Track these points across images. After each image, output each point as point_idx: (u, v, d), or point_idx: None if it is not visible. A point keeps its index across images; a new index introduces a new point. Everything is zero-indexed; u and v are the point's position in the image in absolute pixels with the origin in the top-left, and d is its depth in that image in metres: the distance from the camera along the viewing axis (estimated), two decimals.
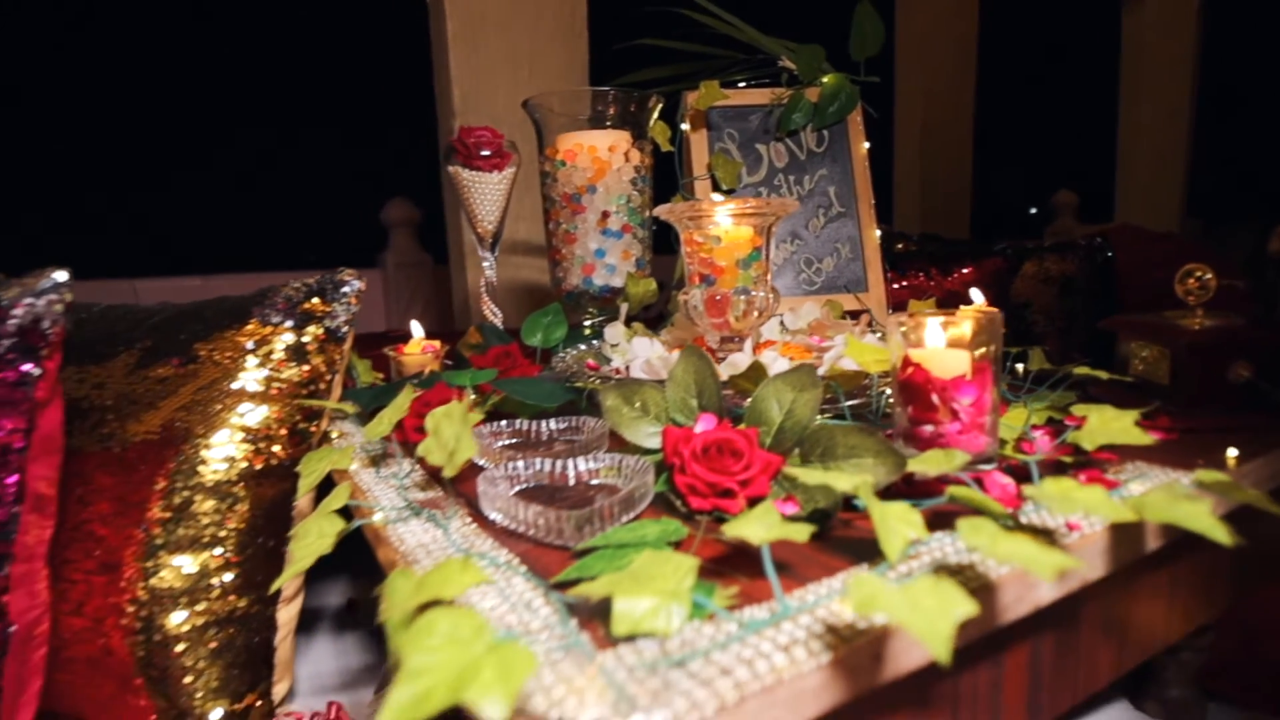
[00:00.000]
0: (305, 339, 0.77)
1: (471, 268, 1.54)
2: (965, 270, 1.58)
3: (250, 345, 0.76)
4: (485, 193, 1.01)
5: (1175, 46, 2.56)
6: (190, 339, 0.77)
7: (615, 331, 0.93)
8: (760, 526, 0.40)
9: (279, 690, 0.77)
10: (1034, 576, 0.42)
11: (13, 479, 0.57)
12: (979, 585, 0.40)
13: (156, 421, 0.74)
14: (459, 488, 0.62)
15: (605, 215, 1.03)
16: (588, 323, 1.07)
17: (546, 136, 1.06)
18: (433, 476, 0.64)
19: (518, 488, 0.57)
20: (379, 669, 0.88)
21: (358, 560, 1.11)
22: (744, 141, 1.15)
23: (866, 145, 1.16)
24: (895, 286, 1.51)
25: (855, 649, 0.35)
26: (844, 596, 0.38)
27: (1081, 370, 0.71)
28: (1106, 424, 0.56)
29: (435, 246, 2.31)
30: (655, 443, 0.59)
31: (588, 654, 0.33)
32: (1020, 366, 0.85)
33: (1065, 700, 0.55)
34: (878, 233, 1.14)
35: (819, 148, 1.16)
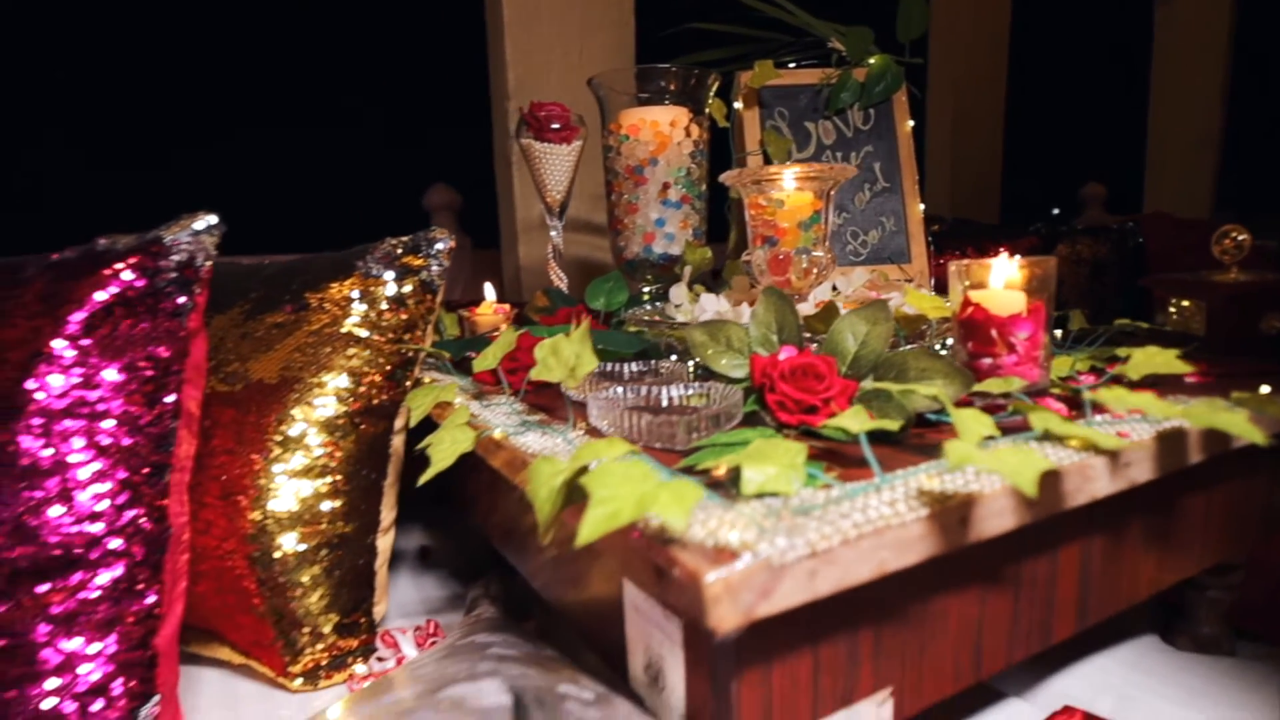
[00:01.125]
0: (404, 289, 0.84)
1: (524, 244, 1.61)
2: (1000, 250, 1.63)
3: (355, 294, 0.83)
4: (555, 164, 1.08)
5: (1208, 36, 2.59)
6: (300, 288, 0.85)
7: (679, 292, 0.99)
8: (855, 420, 0.47)
9: (379, 611, 0.84)
10: (1091, 471, 0.48)
11: (171, 398, 0.64)
12: (1045, 471, 0.46)
13: (274, 362, 0.81)
14: (559, 416, 0.69)
15: (665, 186, 1.10)
16: (646, 289, 1.13)
17: (609, 113, 1.13)
18: (534, 406, 0.71)
19: (623, 407, 0.64)
20: (461, 598, 0.95)
21: (430, 513, 1.18)
22: (793, 119, 1.21)
23: (911, 123, 1.22)
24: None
25: (946, 509, 0.41)
26: (941, 459, 0.44)
27: (1122, 321, 0.77)
28: (1150, 358, 0.62)
29: (475, 230, 2.38)
30: (739, 373, 0.65)
31: (727, 504, 0.40)
32: (1059, 333, 0.91)
33: (1110, 606, 0.61)
34: (921, 207, 1.20)
35: (865, 126, 1.22)
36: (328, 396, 0.80)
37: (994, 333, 0.63)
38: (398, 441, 0.86)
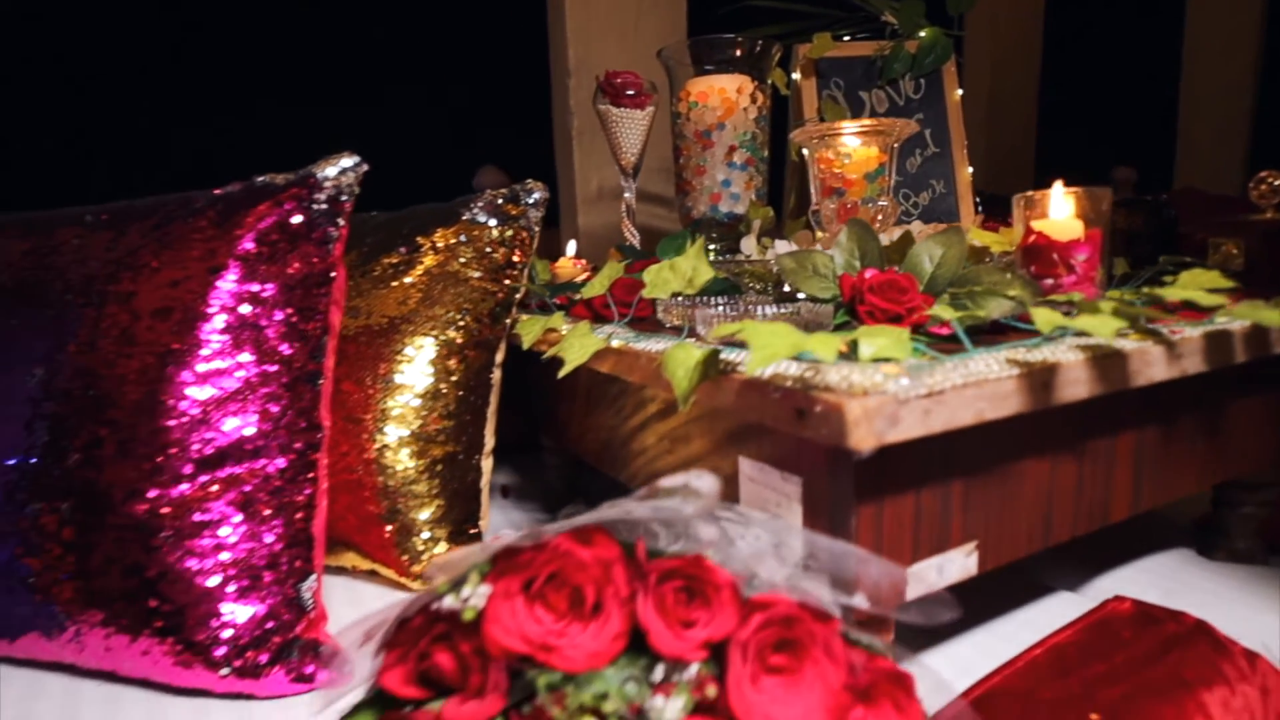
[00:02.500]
0: (505, 234, 0.93)
1: (584, 215, 1.70)
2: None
3: (462, 238, 0.92)
4: (629, 128, 1.17)
5: (1240, 17, 2.63)
6: (411, 233, 0.94)
7: (749, 243, 1.07)
8: (946, 310, 0.54)
9: (484, 525, 0.93)
10: (1150, 356, 0.56)
11: (321, 315, 0.73)
12: (1111, 352, 0.54)
13: (391, 299, 0.90)
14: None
15: (731, 150, 1.18)
16: (712, 246, 1.21)
17: (677, 83, 1.21)
18: (637, 329, 0.79)
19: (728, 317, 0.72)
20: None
21: (503, 459, 1.27)
22: (849, 89, 1.29)
23: (960, 92, 1.29)
24: None
25: (1033, 371, 0.49)
26: (1020, 345, 0.52)
27: (1166, 258, 0.84)
28: (1195, 277, 0.69)
29: None
30: (826, 294, 0.73)
31: (853, 363, 0.48)
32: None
33: (1161, 494, 0.68)
34: (969, 170, 1.27)
35: (916, 95, 1.29)
36: (439, 329, 0.89)
37: (1055, 255, 0.70)
38: (497, 374, 0.95)
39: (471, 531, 0.90)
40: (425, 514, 0.87)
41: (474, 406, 0.91)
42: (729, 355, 0.56)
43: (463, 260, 0.91)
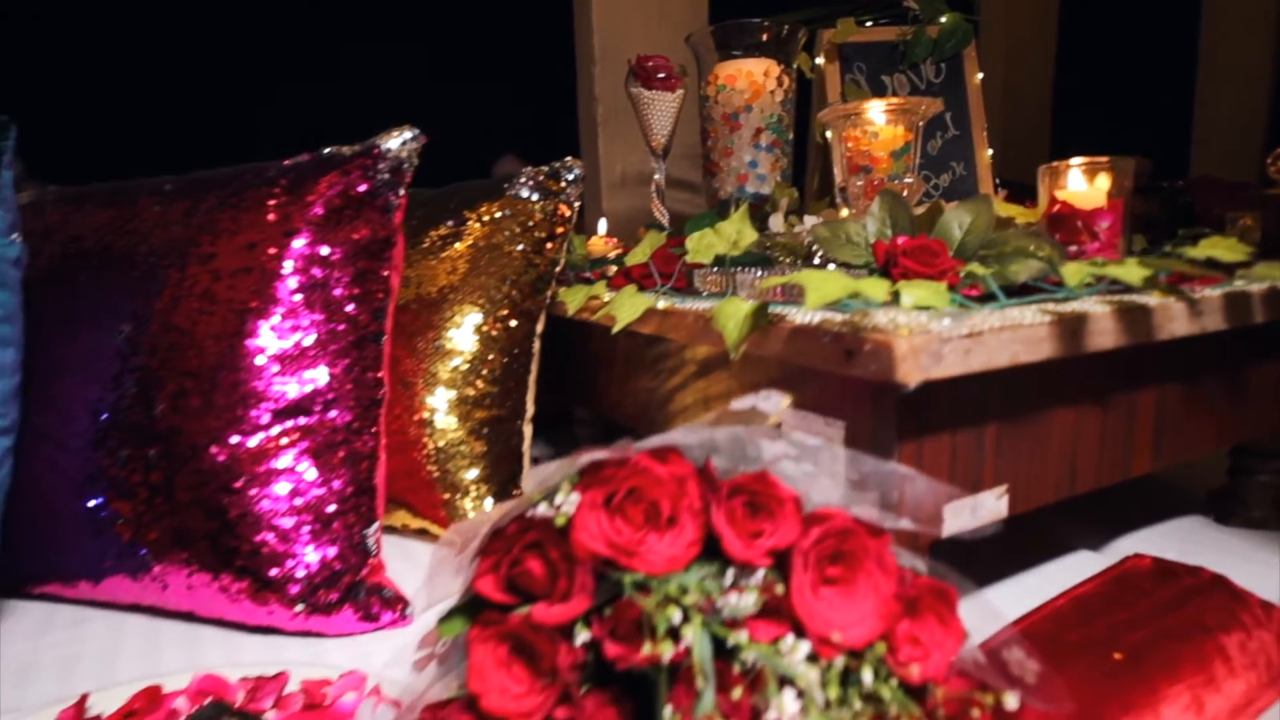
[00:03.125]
0: (546, 209, 0.97)
1: (608, 200, 1.74)
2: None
3: (506, 212, 0.96)
4: (660, 110, 1.21)
5: (1258, 5, 2.64)
6: (458, 207, 0.98)
7: (776, 222, 1.11)
8: (981, 268, 0.58)
9: (525, 486, 0.97)
10: (1173, 311, 0.59)
11: (383, 278, 0.77)
12: (1136, 307, 0.58)
13: (440, 269, 0.95)
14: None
15: (758, 132, 1.21)
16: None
17: (705, 67, 1.25)
18: (677, 294, 0.83)
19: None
20: None
21: (541, 429, 1.31)
22: (871, 73, 1.32)
23: (980, 76, 1.32)
24: None
25: (1064, 319, 0.53)
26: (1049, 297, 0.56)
27: (1185, 231, 0.88)
28: (1215, 243, 0.72)
29: None
30: (859, 261, 0.77)
31: (897, 309, 0.52)
32: None
33: (1180, 452, 0.72)
34: (989, 153, 1.30)
35: (937, 79, 1.33)
36: (484, 299, 0.93)
37: (1079, 223, 0.74)
38: (537, 344, 0.99)
39: (515, 492, 0.95)
40: (472, 474, 0.92)
41: (516, 373, 0.96)
42: (776, 309, 0.60)
43: (507, 233, 0.96)
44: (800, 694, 0.39)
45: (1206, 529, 0.91)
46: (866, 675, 0.40)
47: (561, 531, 0.42)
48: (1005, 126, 2.51)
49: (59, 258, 0.80)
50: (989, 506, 0.59)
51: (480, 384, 0.93)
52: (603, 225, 1.19)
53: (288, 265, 0.72)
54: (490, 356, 0.93)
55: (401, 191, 0.79)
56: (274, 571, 0.70)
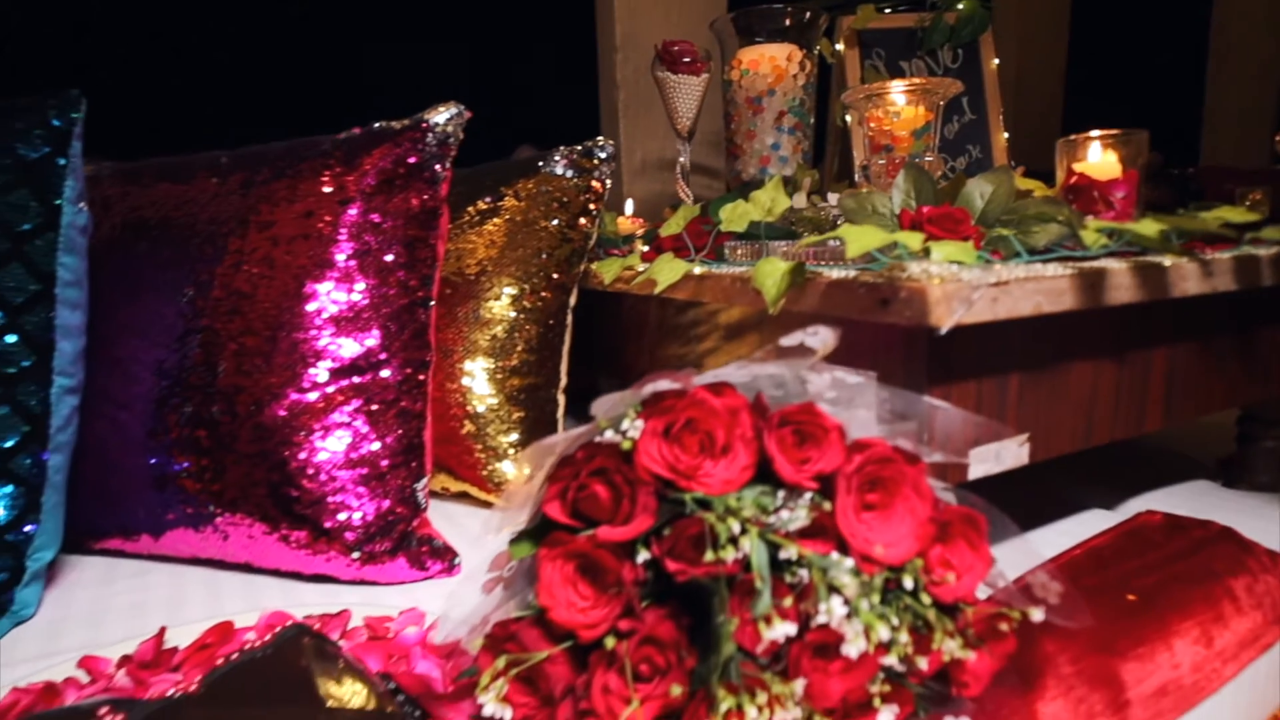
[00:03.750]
0: (579, 185, 1.01)
1: (629, 184, 1.78)
2: None
3: (544, 188, 1.00)
4: (686, 94, 1.25)
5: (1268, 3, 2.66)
6: (495, 184, 1.02)
7: (800, 201, 1.15)
8: (1008, 230, 0.62)
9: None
10: (1185, 270, 0.63)
11: (430, 247, 0.81)
12: (1152, 265, 0.61)
13: (479, 243, 0.99)
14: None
15: (781, 115, 1.25)
16: (738, 229, 1.29)
17: (728, 52, 1.29)
18: (710, 264, 0.87)
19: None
20: None
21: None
22: (890, 59, 1.36)
23: (996, 61, 1.36)
24: None
25: (1084, 273, 0.57)
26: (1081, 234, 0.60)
27: (1196, 204, 0.91)
28: (1225, 211, 0.76)
29: None
30: (885, 229, 0.80)
31: (928, 260, 0.56)
32: None
33: (1191, 409, 0.75)
34: (1005, 135, 1.34)
35: (954, 64, 1.36)
36: (521, 271, 0.97)
37: (1096, 193, 0.78)
38: (570, 316, 1.03)
39: None
40: (509, 439, 0.96)
41: (551, 343, 1.00)
42: (811, 267, 0.63)
43: (542, 208, 1.00)
44: (846, 602, 0.43)
45: (1215, 492, 0.95)
46: (908, 581, 0.44)
47: (626, 456, 0.46)
48: (1017, 114, 2.53)
49: (119, 228, 0.84)
50: (1011, 453, 0.63)
51: (517, 353, 0.97)
52: (629, 206, 1.23)
53: (343, 233, 0.76)
54: (527, 326, 0.97)
55: (448, 164, 0.82)
56: (331, 522, 0.74)
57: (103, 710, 0.43)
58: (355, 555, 0.74)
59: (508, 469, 0.95)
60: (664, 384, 0.46)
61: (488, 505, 0.97)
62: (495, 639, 0.48)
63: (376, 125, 0.82)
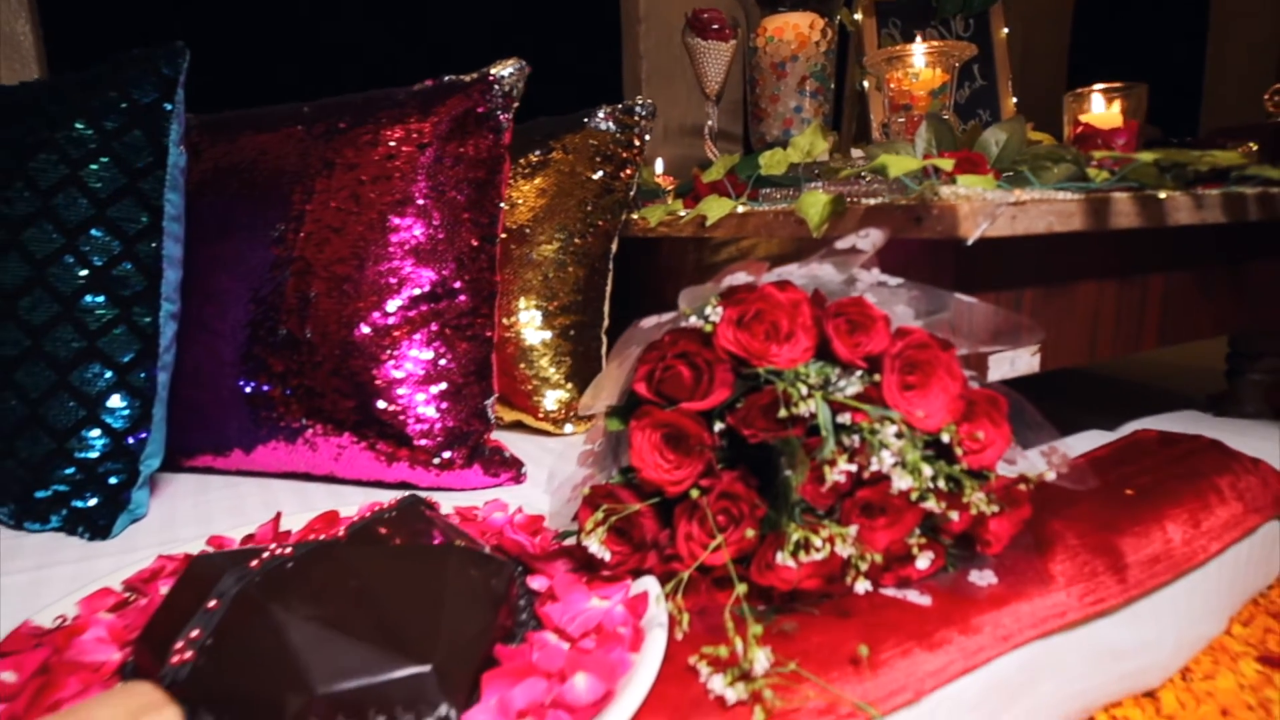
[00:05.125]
0: (622, 139, 1.09)
1: (652, 149, 1.85)
2: None
3: (590, 142, 1.08)
4: (714, 59, 1.32)
5: None
6: (544, 138, 1.10)
7: (823, 156, 1.23)
8: (1023, 169, 0.70)
9: (582, 405, 1.10)
10: (1178, 202, 0.71)
11: (495, 189, 0.89)
12: (1150, 197, 0.70)
13: (531, 192, 1.07)
14: None
15: (803, 79, 1.33)
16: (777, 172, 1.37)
17: (753, 21, 1.36)
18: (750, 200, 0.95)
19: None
20: None
21: None
22: (905, 28, 1.44)
23: (1005, 30, 1.43)
24: None
25: (1091, 198, 0.65)
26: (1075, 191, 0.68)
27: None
28: (1218, 156, 0.84)
29: None
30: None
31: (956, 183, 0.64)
32: None
33: (1184, 332, 0.84)
34: (1014, 100, 1.42)
35: (966, 33, 1.44)
36: (568, 218, 1.06)
37: (1100, 140, 0.86)
38: (612, 263, 1.11)
39: None
40: (557, 372, 1.05)
41: (596, 285, 1.08)
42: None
43: (588, 161, 1.08)
44: (894, 455, 0.51)
45: (1205, 419, 1.04)
46: (945, 437, 0.52)
47: (706, 340, 0.55)
48: (1024, 83, 2.61)
49: (210, 172, 0.92)
50: (1024, 360, 0.72)
51: (564, 293, 1.05)
52: (659, 165, 1.31)
53: (420, 174, 0.85)
54: (574, 269, 1.06)
55: (510, 114, 0.91)
56: (414, 432, 0.82)
57: (271, 548, 0.52)
58: (435, 462, 0.82)
59: (556, 398, 1.04)
60: (741, 276, 0.54)
61: (540, 433, 1.05)
62: (594, 496, 0.56)
63: (447, 78, 0.90)
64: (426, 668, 0.42)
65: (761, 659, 0.45)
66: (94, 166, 0.77)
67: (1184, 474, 0.79)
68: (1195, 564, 0.68)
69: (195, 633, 0.45)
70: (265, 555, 0.51)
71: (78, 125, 0.77)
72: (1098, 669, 0.62)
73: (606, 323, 1.11)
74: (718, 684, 0.46)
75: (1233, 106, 2.93)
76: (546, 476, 0.64)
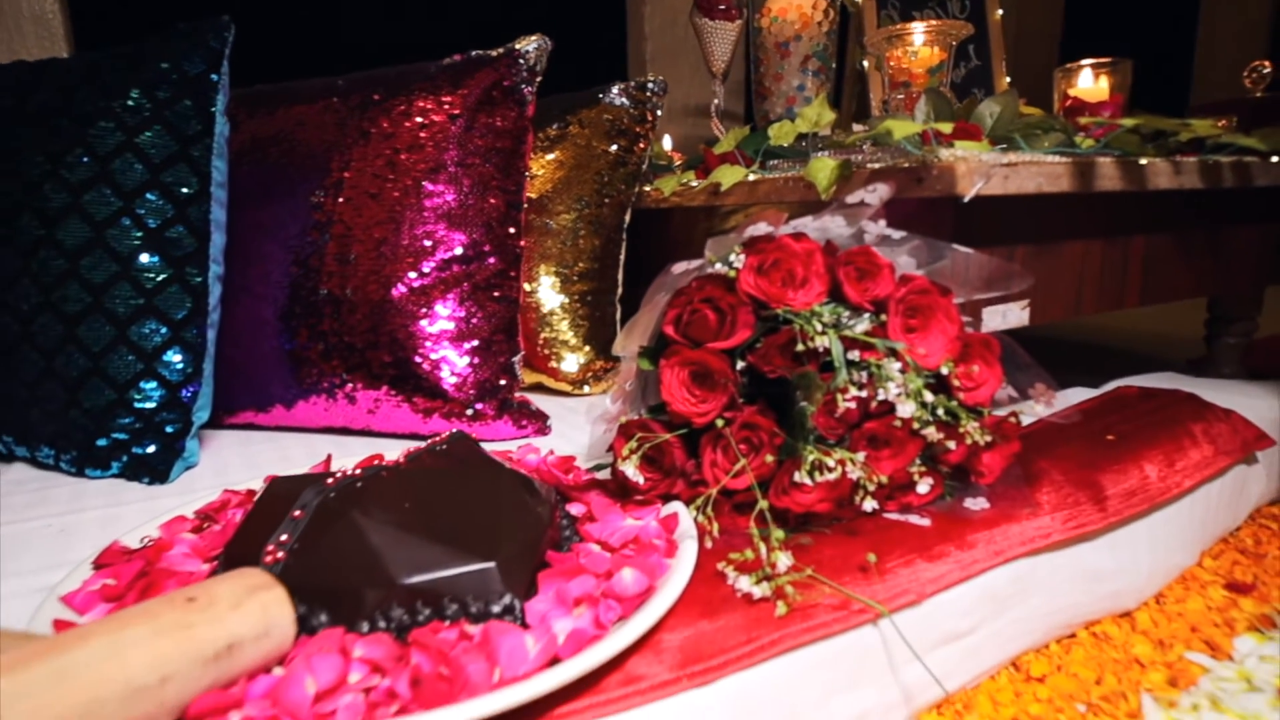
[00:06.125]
0: (635, 114, 1.14)
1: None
2: None
3: (605, 117, 1.14)
4: (721, 38, 1.38)
5: None
6: (561, 112, 1.15)
7: (825, 131, 1.28)
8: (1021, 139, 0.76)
9: (616, 348, 1.16)
10: (1158, 168, 0.78)
11: (522, 158, 0.95)
12: (1132, 162, 0.76)
13: (550, 164, 1.12)
14: None
15: (806, 59, 1.38)
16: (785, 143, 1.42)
17: (758, 2, 1.41)
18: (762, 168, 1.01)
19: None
20: None
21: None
22: (903, 10, 1.49)
23: (1000, 12, 1.49)
24: None
25: (1077, 162, 0.71)
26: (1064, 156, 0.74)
27: None
28: (1196, 123, 0.90)
29: None
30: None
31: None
32: None
33: (1164, 293, 0.90)
34: (1007, 80, 1.48)
35: (962, 14, 1.49)
36: (584, 190, 1.11)
37: (1088, 113, 0.92)
38: (625, 234, 1.17)
39: (608, 354, 1.13)
40: (574, 335, 1.10)
41: (610, 254, 1.14)
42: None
43: (603, 134, 1.13)
44: (898, 388, 0.58)
45: (1184, 379, 1.10)
46: (944, 370, 0.58)
47: (729, 284, 0.61)
48: (1017, 66, 2.66)
49: (249, 141, 0.97)
50: (1015, 314, 0.78)
51: (581, 261, 1.11)
52: (667, 141, 1.37)
53: (451, 143, 0.90)
54: (589, 237, 1.12)
55: (534, 88, 0.96)
56: (447, 386, 0.88)
57: (340, 471, 0.58)
58: (468, 413, 0.88)
59: (575, 361, 1.10)
60: (762, 226, 0.60)
61: (559, 394, 1.11)
62: (628, 427, 0.62)
63: (475, 53, 0.95)
64: (491, 564, 0.48)
65: (783, 560, 0.52)
66: (148, 134, 0.83)
67: (1161, 422, 0.85)
68: (1169, 498, 0.74)
69: (284, 537, 0.51)
70: (337, 476, 0.57)
71: (133, 94, 0.82)
72: (1080, 589, 0.68)
73: (620, 290, 1.17)
74: (744, 583, 0.52)
75: (1222, 86, 2.99)
76: (586, 408, 0.70)
